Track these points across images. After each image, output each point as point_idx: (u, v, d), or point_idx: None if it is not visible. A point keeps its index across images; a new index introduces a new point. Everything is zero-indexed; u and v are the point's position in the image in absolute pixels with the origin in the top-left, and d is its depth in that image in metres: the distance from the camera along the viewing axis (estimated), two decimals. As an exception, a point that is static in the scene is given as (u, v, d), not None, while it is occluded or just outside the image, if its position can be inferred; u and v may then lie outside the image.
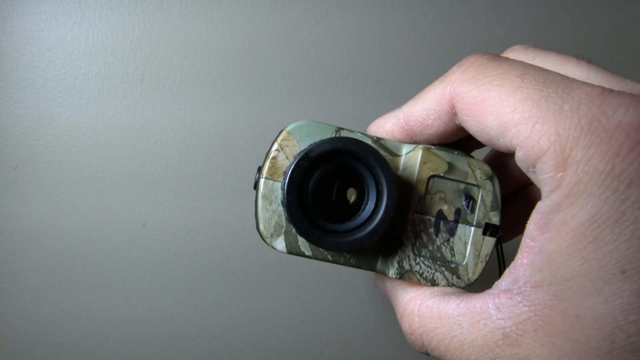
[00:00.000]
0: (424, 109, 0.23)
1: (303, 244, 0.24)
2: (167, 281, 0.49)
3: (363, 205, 0.23)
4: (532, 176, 0.20)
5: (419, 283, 0.24)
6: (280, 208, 0.24)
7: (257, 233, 0.24)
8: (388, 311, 0.51)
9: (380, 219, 0.22)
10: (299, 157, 0.22)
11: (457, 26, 0.54)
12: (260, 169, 0.24)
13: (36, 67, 0.48)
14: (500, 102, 0.19)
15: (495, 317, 0.19)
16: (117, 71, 0.49)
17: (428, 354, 0.23)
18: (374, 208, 0.23)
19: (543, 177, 0.18)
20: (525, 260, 0.19)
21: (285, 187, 0.22)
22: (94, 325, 0.48)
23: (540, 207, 0.19)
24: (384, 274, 0.25)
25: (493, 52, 0.24)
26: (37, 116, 0.48)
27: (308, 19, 0.51)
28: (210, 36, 0.50)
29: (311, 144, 0.23)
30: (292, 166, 0.22)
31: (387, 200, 0.22)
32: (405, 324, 0.23)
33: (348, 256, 0.24)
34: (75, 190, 0.48)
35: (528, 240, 0.19)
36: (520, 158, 0.19)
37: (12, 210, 0.47)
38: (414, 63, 0.52)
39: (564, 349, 0.17)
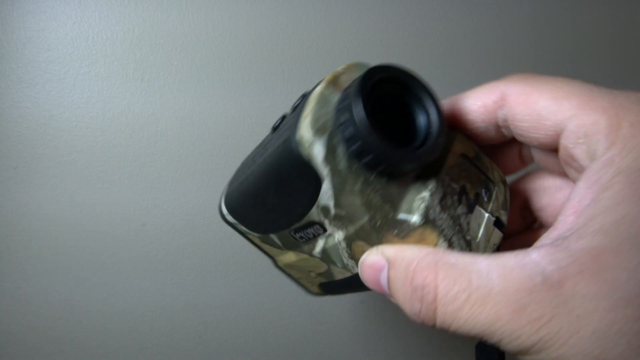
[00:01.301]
0: (472, 97, 0.25)
1: (341, 153, 0.21)
2: (167, 280, 0.49)
3: (412, 132, 0.23)
4: (577, 151, 0.20)
5: (434, 242, 0.22)
6: (333, 112, 0.21)
7: (294, 141, 0.21)
8: (388, 311, 0.51)
9: (437, 134, 0.21)
10: (366, 71, 0.21)
11: (471, 28, 0.54)
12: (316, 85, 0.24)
13: (36, 67, 0.48)
14: (555, 89, 0.22)
15: (533, 264, 0.18)
16: (117, 71, 0.49)
17: (434, 322, 0.20)
18: (427, 130, 0.22)
19: (596, 138, 0.19)
20: (570, 217, 0.19)
21: (358, 84, 0.20)
22: (94, 322, 0.48)
23: (592, 167, 0.19)
24: (403, 220, 0.21)
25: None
26: (37, 116, 0.48)
27: (307, 14, 0.51)
28: (210, 35, 0.50)
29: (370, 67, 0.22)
30: (360, 78, 0.21)
31: (440, 124, 0.22)
32: (418, 278, 0.20)
33: (378, 186, 0.21)
34: (75, 190, 0.48)
35: (575, 201, 0.19)
36: (571, 129, 0.20)
37: (12, 211, 0.47)
38: (421, 55, 0.52)
39: (615, 284, 0.16)
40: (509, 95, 0.23)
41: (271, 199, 0.25)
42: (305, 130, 0.20)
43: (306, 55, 0.51)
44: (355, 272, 0.25)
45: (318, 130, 0.20)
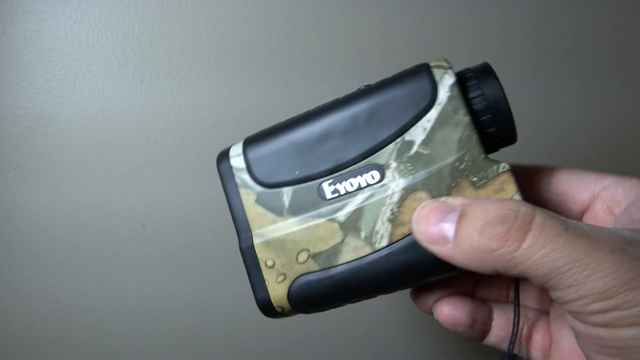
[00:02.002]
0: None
1: (462, 105, 0.23)
2: (168, 280, 0.49)
3: None
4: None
5: (512, 193, 0.22)
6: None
7: None
8: (388, 310, 0.51)
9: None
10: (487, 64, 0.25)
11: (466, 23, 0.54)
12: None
13: (36, 67, 0.48)
14: None
15: (619, 231, 0.19)
16: (117, 71, 0.49)
17: (517, 247, 0.19)
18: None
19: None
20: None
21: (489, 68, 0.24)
22: (94, 322, 0.48)
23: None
24: (492, 163, 0.22)
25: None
26: (37, 116, 0.48)
27: (306, 12, 0.51)
28: (210, 35, 0.50)
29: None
30: (487, 65, 0.25)
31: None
32: (509, 207, 0.20)
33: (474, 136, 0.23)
34: (75, 190, 0.48)
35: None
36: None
37: (12, 211, 0.47)
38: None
39: None
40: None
41: (343, 129, 0.24)
42: (442, 60, 0.24)
43: (306, 55, 0.51)
44: (379, 246, 0.23)
45: (450, 67, 0.23)
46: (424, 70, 0.23)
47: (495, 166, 0.22)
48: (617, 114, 0.56)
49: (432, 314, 0.28)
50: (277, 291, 0.26)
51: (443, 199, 0.22)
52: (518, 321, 0.25)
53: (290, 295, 0.25)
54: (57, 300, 0.48)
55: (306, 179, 0.25)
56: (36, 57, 0.48)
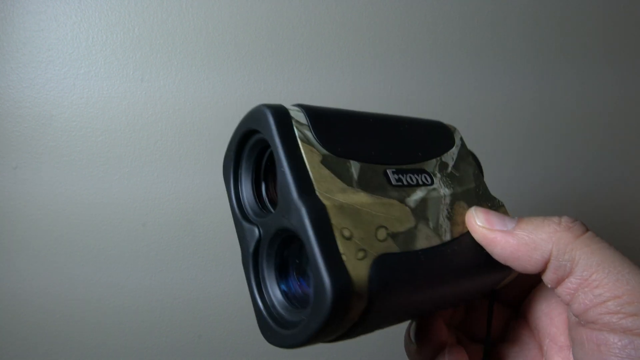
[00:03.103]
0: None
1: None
2: (168, 280, 0.49)
3: None
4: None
5: None
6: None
7: None
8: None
9: None
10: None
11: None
12: None
13: (36, 67, 0.48)
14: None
15: None
16: (117, 71, 0.49)
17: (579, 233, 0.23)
18: None
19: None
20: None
21: None
22: (94, 321, 0.48)
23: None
24: (493, 197, 0.29)
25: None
26: (37, 116, 0.48)
27: (306, 9, 0.51)
28: (210, 35, 0.50)
29: None
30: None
31: None
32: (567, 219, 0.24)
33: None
34: (75, 190, 0.48)
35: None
36: None
37: (12, 211, 0.47)
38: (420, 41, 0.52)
39: None
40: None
41: (407, 126, 0.27)
42: (450, 125, 0.30)
43: (307, 51, 0.51)
44: (444, 240, 0.24)
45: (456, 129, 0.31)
46: (441, 123, 0.30)
47: (496, 200, 0.29)
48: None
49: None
50: (358, 270, 0.19)
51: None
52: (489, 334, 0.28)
53: (371, 279, 0.19)
54: (56, 300, 0.48)
55: (373, 159, 0.24)
56: (36, 57, 0.48)
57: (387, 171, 0.24)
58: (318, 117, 0.23)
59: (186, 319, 0.49)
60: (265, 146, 0.24)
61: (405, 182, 0.24)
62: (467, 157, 0.29)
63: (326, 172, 0.22)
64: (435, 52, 0.53)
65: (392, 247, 0.21)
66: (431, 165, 0.27)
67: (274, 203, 0.25)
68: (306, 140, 0.22)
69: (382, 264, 0.20)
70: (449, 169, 0.27)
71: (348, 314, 0.19)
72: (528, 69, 0.55)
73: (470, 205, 0.27)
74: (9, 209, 0.47)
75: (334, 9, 0.51)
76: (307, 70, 0.51)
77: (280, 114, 0.22)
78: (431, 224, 0.24)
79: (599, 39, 0.56)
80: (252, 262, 0.23)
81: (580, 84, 0.56)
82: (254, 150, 0.25)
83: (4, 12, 0.47)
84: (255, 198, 0.25)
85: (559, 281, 0.24)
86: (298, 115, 0.23)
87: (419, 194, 0.25)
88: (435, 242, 0.23)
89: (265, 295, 0.23)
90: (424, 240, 0.23)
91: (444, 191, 0.26)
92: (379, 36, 0.52)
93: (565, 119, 0.56)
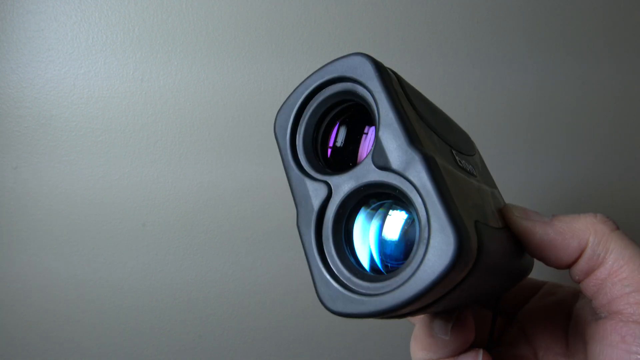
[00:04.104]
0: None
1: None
2: (168, 280, 0.49)
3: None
4: None
5: None
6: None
7: None
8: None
9: None
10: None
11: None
12: None
13: (36, 67, 0.48)
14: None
15: None
16: (117, 71, 0.49)
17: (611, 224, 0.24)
18: None
19: None
20: None
21: None
22: (95, 321, 0.48)
23: None
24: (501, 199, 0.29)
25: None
26: (37, 116, 0.48)
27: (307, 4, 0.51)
28: (210, 35, 0.50)
29: None
30: None
31: None
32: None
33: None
34: (75, 190, 0.48)
35: None
36: None
37: (12, 211, 0.47)
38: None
39: None
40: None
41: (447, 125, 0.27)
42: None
43: (307, 49, 0.51)
44: (500, 225, 0.24)
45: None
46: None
47: (502, 199, 0.29)
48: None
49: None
50: (470, 228, 0.19)
51: None
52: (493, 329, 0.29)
53: (478, 239, 0.19)
54: (56, 300, 0.48)
55: (445, 138, 0.24)
56: (36, 57, 0.48)
57: (453, 152, 0.24)
58: (401, 80, 0.23)
59: (186, 319, 0.49)
60: (342, 100, 0.23)
61: (466, 168, 0.25)
62: (485, 165, 0.31)
63: (423, 132, 0.22)
64: (435, 43, 0.53)
65: (480, 217, 0.21)
66: (472, 160, 0.28)
67: (340, 162, 0.24)
68: (403, 96, 0.22)
69: (479, 229, 0.20)
70: (479, 169, 0.29)
71: (462, 272, 0.18)
72: (530, 60, 0.55)
73: (500, 203, 0.27)
74: (9, 209, 0.47)
75: (334, 3, 0.51)
76: (308, 70, 0.51)
77: (380, 64, 0.22)
78: (491, 209, 0.24)
79: (602, 30, 0.57)
80: (316, 221, 0.21)
81: (585, 75, 0.56)
82: (327, 101, 0.23)
83: (4, 12, 0.47)
84: (317, 154, 0.24)
85: (589, 272, 0.24)
86: (392, 74, 0.22)
87: (474, 181, 0.25)
88: (497, 225, 0.24)
89: (329, 258, 0.21)
90: (494, 220, 0.23)
91: (484, 186, 0.27)
92: (378, 28, 0.52)
93: (569, 113, 0.56)
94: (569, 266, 0.25)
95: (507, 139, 0.54)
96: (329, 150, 0.24)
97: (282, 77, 0.51)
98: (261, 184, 0.49)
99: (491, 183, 0.30)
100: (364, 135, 0.24)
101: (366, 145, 0.24)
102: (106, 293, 0.48)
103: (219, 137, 0.50)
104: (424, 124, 0.22)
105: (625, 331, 0.22)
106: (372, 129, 0.23)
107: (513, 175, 0.54)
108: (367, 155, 0.20)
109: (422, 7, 0.53)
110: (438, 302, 0.20)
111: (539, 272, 0.31)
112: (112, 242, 0.48)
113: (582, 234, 0.24)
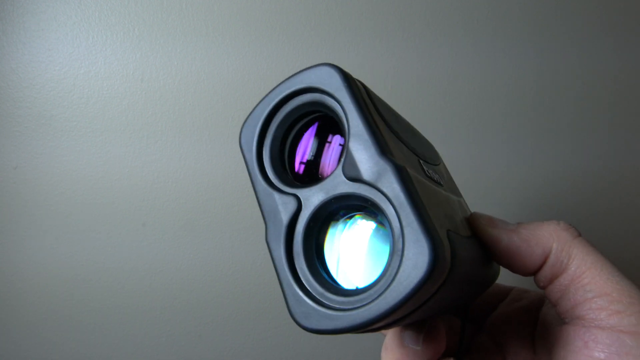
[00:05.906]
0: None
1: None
2: (168, 279, 0.49)
3: None
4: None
5: None
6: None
7: None
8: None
9: None
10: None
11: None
12: None
13: (36, 67, 0.48)
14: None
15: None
16: (117, 71, 0.49)
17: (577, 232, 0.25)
18: None
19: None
20: None
21: None
22: (95, 321, 0.48)
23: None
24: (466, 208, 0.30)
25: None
26: (37, 116, 0.48)
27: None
28: (210, 35, 0.50)
29: None
30: None
31: None
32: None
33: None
34: (75, 190, 0.48)
35: None
36: None
37: (12, 211, 0.47)
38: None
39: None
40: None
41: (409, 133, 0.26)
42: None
43: (307, 47, 0.51)
44: (468, 234, 0.24)
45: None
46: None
47: (467, 209, 0.29)
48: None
49: None
50: (443, 237, 0.19)
51: None
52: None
53: (451, 249, 0.19)
54: (56, 300, 0.48)
55: (412, 148, 0.24)
56: (36, 57, 0.48)
57: (420, 162, 0.24)
58: (369, 90, 0.23)
59: (186, 319, 0.49)
60: (308, 111, 0.23)
61: (434, 177, 0.24)
62: (449, 174, 0.31)
63: (392, 143, 0.21)
64: (433, 29, 0.53)
65: (451, 225, 0.21)
66: (439, 170, 0.28)
67: (308, 173, 0.23)
68: (372, 107, 0.22)
69: (451, 238, 0.19)
70: (446, 178, 0.29)
71: (437, 283, 0.18)
72: (529, 47, 0.55)
73: (467, 212, 0.28)
74: (9, 209, 0.47)
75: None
76: (308, 63, 0.51)
77: (348, 74, 0.21)
78: (459, 218, 0.24)
79: (603, 16, 0.57)
80: (286, 236, 0.21)
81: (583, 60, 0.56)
82: (294, 113, 0.23)
83: (4, 12, 0.47)
84: (285, 166, 0.23)
85: (553, 278, 0.25)
86: (360, 84, 0.22)
87: (442, 191, 0.25)
88: (466, 233, 0.23)
89: (300, 274, 0.20)
90: (462, 229, 0.23)
91: (449, 195, 0.26)
92: (377, 13, 0.52)
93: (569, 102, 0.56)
94: (534, 273, 0.25)
95: (506, 131, 0.54)
96: (297, 164, 0.24)
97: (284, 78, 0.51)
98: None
99: (457, 192, 0.30)
100: (326, 145, 0.23)
101: (329, 155, 0.23)
102: (106, 293, 0.48)
103: (219, 137, 0.50)
104: (393, 134, 0.22)
105: (587, 336, 0.22)
106: (336, 138, 0.23)
107: (509, 170, 0.54)
108: (337, 167, 0.20)
109: None
110: (413, 314, 0.20)
111: (505, 278, 0.31)
112: (112, 242, 0.48)
113: (546, 241, 0.25)
